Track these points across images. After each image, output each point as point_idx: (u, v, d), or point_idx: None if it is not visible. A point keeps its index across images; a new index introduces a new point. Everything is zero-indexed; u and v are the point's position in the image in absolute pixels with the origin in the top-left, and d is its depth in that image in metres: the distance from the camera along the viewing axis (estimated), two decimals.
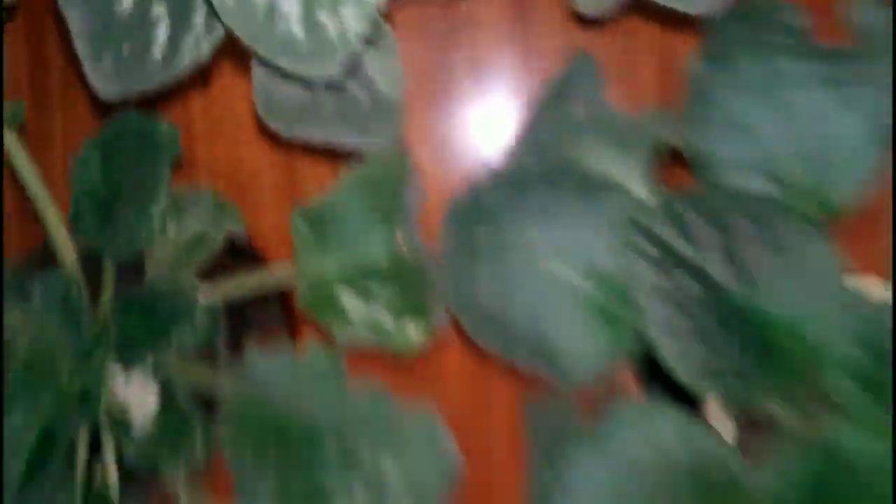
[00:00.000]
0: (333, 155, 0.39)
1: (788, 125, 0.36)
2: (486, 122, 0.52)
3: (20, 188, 0.40)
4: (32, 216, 0.40)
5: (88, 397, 0.37)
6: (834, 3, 0.35)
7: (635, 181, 0.37)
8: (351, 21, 0.25)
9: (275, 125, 0.34)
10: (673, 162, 0.38)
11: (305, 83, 0.32)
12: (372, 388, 0.34)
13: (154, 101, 0.43)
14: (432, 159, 0.52)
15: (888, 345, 0.32)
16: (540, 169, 0.37)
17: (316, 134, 0.34)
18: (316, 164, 0.45)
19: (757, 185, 0.36)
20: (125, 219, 0.38)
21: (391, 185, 0.40)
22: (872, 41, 0.35)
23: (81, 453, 0.38)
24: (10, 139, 0.37)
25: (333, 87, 0.32)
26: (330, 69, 0.26)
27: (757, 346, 0.33)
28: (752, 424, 0.37)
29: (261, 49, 0.26)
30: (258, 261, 0.48)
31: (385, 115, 0.32)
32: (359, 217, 0.39)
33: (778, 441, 0.32)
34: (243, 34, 0.25)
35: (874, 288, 0.37)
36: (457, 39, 0.52)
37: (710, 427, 0.36)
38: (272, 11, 0.25)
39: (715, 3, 0.32)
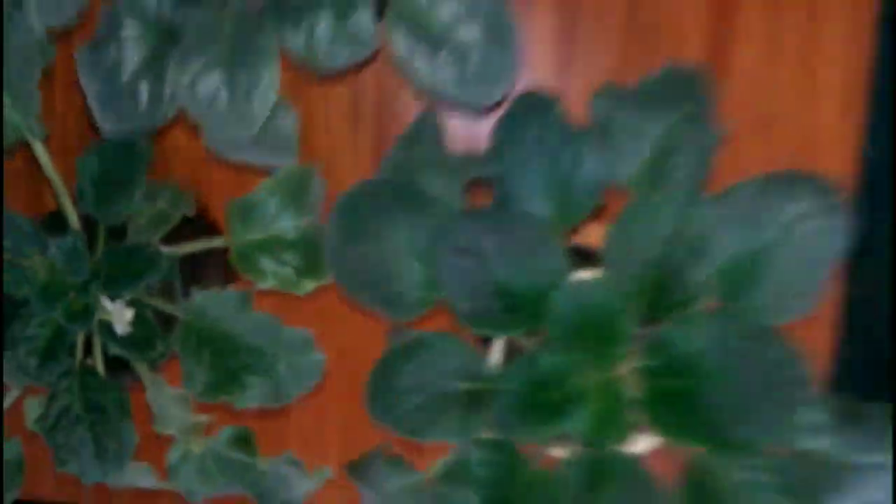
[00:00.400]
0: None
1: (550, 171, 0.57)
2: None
3: (45, 177, 0.58)
4: (51, 194, 0.59)
5: (86, 312, 0.57)
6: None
7: (453, 199, 0.58)
8: (262, 104, 0.45)
9: (222, 155, 0.54)
10: (480, 188, 0.59)
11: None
12: (271, 317, 0.55)
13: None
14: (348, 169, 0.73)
15: (587, 307, 0.53)
16: (392, 185, 0.57)
17: (250, 159, 0.54)
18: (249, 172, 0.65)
19: (530, 207, 0.58)
20: (114, 198, 0.57)
21: (300, 187, 0.61)
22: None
23: (79, 348, 0.58)
24: (39, 146, 0.56)
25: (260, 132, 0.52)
26: (249, 130, 0.46)
27: (510, 304, 0.54)
28: (510, 351, 0.59)
29: (199, 121, 0.46)
30: (211, 231, 0.67)
31: (287, 149, 0.52)
32: (275, 207, 0.60)
33: (516, 358, 0.53)
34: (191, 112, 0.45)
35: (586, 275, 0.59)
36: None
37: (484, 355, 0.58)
38: (208, 99, 0.45)
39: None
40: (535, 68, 0.74)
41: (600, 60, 0.73)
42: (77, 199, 0.58)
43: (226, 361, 0.54)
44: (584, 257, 0.60)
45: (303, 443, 0.75)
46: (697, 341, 0.49)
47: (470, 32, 0.48)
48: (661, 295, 0.53)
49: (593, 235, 0.57)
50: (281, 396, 0.54)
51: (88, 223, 0.59)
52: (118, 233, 0.60)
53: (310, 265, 0.59)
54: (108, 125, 0.48)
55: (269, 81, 0.46)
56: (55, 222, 0.60)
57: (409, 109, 0.74)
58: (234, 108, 0.46)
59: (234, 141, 0.51)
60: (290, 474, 0.59)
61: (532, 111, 0.56)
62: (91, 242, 0.58)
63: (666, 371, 0.51)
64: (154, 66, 0.47)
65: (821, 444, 0.52)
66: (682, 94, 0.54)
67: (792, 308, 0.48)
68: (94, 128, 0.53)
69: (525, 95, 0.57)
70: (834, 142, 0.72)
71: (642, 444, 0.59)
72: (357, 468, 0.60)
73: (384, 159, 0.61)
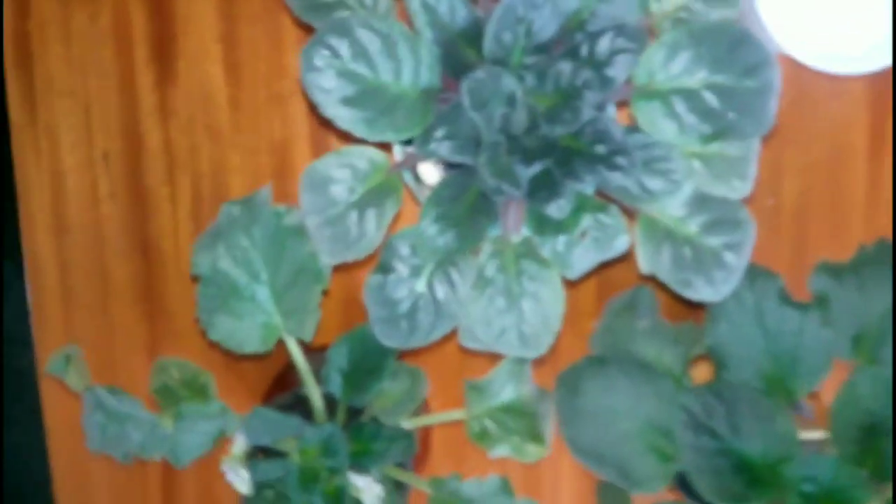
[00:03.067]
0: None
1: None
2: None
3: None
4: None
5: (339, 494, 0.61)
6: None
7: (676, 369, 0.62)
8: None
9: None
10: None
11: None
12: None
13: None
14: None
15: (820, 482, 0.57)
16: (613, 357, 0.62)
17: None
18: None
19: (747, 378, 0.61)
20: (364, 384, 0.61)
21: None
22: None
23: None
24: (292, 342, 0.61)
25: None
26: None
27: (749, 479, 0.58)
28: None
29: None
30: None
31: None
32: (503, 380, 0.64)
33: None
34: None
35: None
36: None
37: None
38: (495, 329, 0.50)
39: None
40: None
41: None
42: (326, 386, 0.62)
43: None
44: None
45: None
46: None
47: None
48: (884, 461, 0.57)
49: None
50: None
51: (334, 406, 0.63)
52: (359, 413, 0.64)
53: (534, 432, 0.64)
54: (387, 342, 0.53)
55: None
56: (298, 403, 0.65)
57: None
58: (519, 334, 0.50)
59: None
60: None
61: (753, 283, 0.60)
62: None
63: None
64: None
65: None
66: None
67: None
68: None
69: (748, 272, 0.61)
70: None
71: None
72: None
73: (596, 330, 0.65)
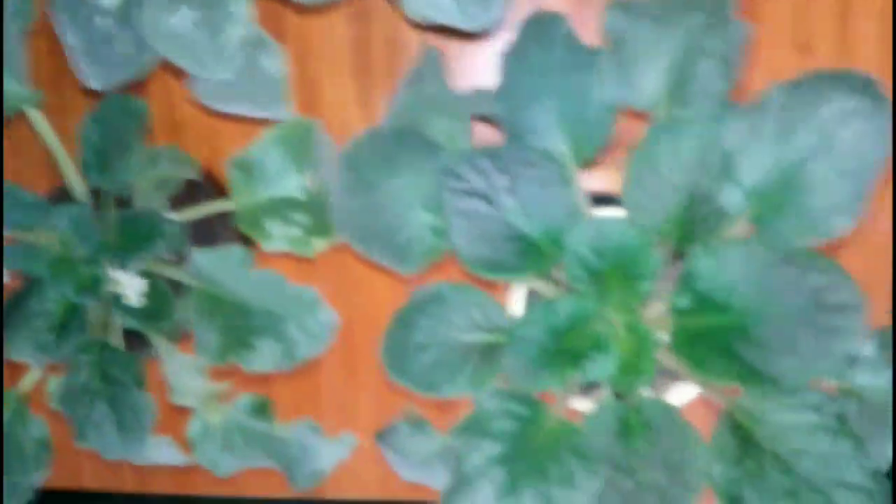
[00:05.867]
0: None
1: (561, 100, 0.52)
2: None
3: (45, 148, 0.57)
4: (53, 166, 0.58)
5: (96, 284, 0.56)
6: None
7: (460, 141, 0.54)
8: (233, 38, 0.42)
9: (208, 104, 0.52)
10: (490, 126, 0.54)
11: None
12: (274, 275, 0.53)
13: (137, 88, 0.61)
14: (350, 121, 0.70)
15: (607, 245, 0.48)
16: (395, 132, 0.54)
17: (237, 109, 0.52)
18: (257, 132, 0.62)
19: (545, 143, 0.53)
20: (115, 162, 0.56)
21: (301, 142, 0.58)
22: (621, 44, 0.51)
23: (92, 320, 0.57)
24: (37, 116, 0.55)
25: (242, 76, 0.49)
26: (226, 69, 0.43)
27: (523, 248, 0.50)
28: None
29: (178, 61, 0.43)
30: (219, 193, 0.65)
31: (274, 95, 0.50)
32: (277, 164, 0.57)
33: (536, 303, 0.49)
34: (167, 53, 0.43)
35: (610, 214, 0.54)
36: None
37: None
38: (180, 36, 0.42)
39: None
40: None
41: None
42: (83, 171, 0.57)
43: (234, 324, 0.52)
44: (603, 203, 0.56)
45: (335, 410, 0.73)
46: (728, 272, 0.44)
47: None
48: (689, 225, 0.48)
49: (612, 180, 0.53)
50: (292, 358, 0.51)
51: (98, 196, 0.58)
52: (126, 205, 0.59)
53: (319, 224, 0.57)
54: (93, 77, 0.47)
55: (240, 12, 0.43)
56: (63, 196, 0.59)
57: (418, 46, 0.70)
58: (207, 45, 0.43)
59: (218, 87, 0.48)
60: (315, 443, 0.57)
61: (540, 36, 0.52)
62: (97, 212, 0.57)
63: (695, 308, 0.46)
64: (130, 7, 0.45)
65: (877, 380, 0.46)
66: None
67: (832, 225, 0.42)
68: (91, 93, 0.51)
69: (532, 20, 0.52)
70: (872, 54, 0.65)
71: (679, 394, 0.54)
72: (384, 436, 0.57)
73: (390, 105, 0.58)
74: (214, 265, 0.53)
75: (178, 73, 0.50)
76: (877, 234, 0.66)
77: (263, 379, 0.63)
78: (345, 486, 0.74)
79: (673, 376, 0.55)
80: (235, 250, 0.53)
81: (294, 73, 0.70)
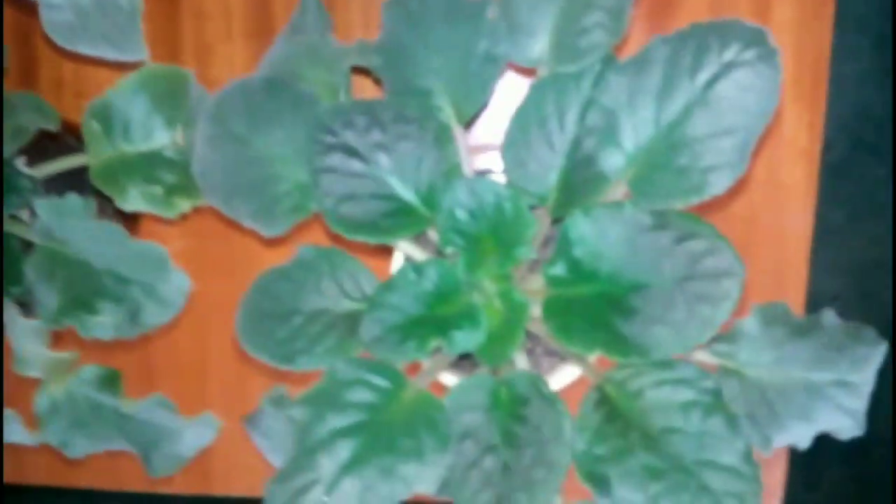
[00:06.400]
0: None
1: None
2: None
3: None
4: None
5: None
6: None
7: (337, 95, 0.50)
8: None
9: (62, 43, 0.47)
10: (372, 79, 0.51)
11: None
12: (115, 228, 0.48)
13: None
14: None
15: (481, 208, 0.45)
16: (267, 83, 0.50)
17: (90, 49, 0.47)
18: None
19: (426, 98, 0.49)
20: None
21: (173, 95, 0.53)
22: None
23: None
24: None
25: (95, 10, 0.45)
26: None
27: (395, 208, 0.46)
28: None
29: None
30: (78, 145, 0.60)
31: (129, 35, 0.45)
32: (140, 115, 0.53)
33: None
34: None
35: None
36: None
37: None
38: None
39: None
40: None
41: None
42: None
43: (74, 284, 0.47)
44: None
45: (223, 393, 0.68)
46: (603, 238, 0.41)
47: None
48: (569, 189, 0.45)
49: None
50: (137, 325, 0.47)
51: None
52: None
53: (184, 183, 0.52)
54: None
55: None
56: None
57: None
58: None
59: (70, 25, 0.44)
60: (173, 424, 0.52)
61: None
62: None
63: (570, 276, 0.42)
64: None
65: (759, 358, 0.43)
66: None
67: (711, 184, 0.39)
68: None
69: None
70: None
71: (564, 375, 0.51)
72: (250, 419, 0.53)
73: (266, 55, 0.54)
74: (55, 218, 0.48)
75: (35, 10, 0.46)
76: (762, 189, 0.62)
77: (122, 346, 0.57)
78: None
79: (562, 357, 0.52)
80: (74, 199, 0.48)
81: (188, 34, 0.66)
